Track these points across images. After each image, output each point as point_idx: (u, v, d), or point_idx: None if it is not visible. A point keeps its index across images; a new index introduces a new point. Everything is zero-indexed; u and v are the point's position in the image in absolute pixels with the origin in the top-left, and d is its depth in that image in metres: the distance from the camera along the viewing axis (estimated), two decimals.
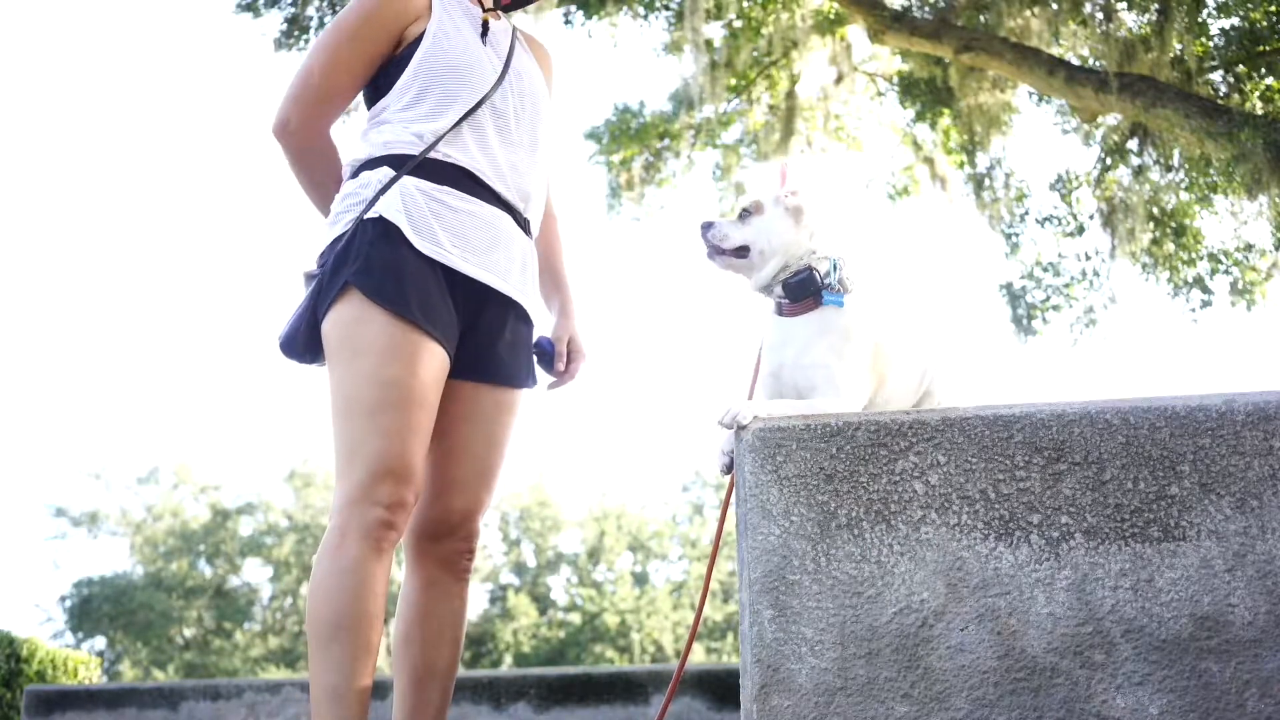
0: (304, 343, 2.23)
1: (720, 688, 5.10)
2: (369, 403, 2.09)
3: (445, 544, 2.29)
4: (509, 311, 2.33)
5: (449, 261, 2.22)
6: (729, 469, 1.92)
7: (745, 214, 2.15)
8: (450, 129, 2.26)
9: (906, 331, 2.15)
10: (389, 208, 2.19)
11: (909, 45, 9.22)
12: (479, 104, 2.29)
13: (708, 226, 2.16)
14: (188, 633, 27.62)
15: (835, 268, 2.06)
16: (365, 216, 2.19)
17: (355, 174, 2.28)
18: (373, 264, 2.15)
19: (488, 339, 2.29)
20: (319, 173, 2.38)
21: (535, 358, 2.44)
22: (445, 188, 2.24)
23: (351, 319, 2.15)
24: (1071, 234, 10.18)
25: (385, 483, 2.07)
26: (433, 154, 2.25)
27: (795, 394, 1.99)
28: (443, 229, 2.21)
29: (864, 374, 1.99)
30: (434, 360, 2.16)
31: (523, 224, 2.37)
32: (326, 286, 2.19)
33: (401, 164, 2.23)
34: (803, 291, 2.04)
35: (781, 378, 2.02)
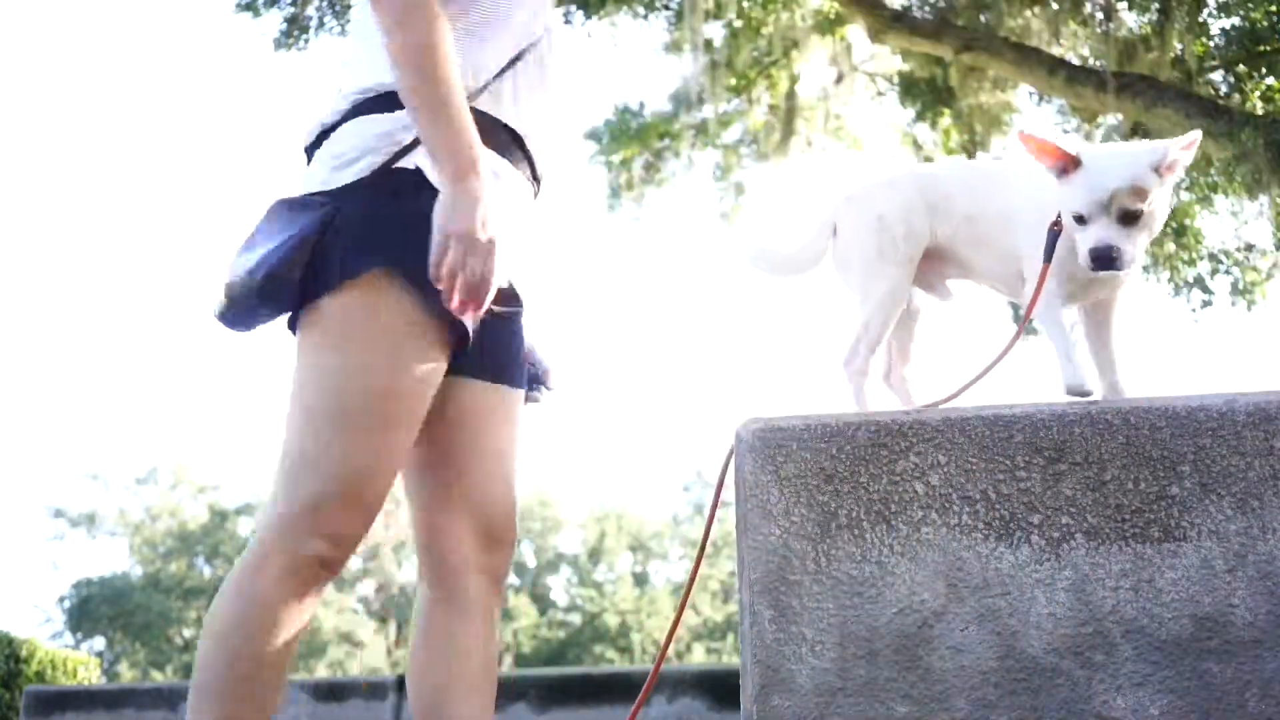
0: (292, 286, 1.71)
1: (720, 688, 5.10)
2: (351, 410, 1.68)
3: (495, 553, 1.89)
4: (517, 305, 1.95)
5: None
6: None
7: (1132, 217, 1.76)
8: (506, 67, 1.82)
9: None
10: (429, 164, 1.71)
11: (909, 45, 9.23)
12: (537, 41, 1.86)
13: (1111, 256, 1.74)
14: (186, 633, 27.62)
15: None
16: (399, 165, 1.74)
17: (388, 103, 1.76)
18: (417, 238, 1.68)
19: (507, 336, 1.92)
20: None
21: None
22: (492, 153, 1.77)
23: (362, 302, 1.70)
24: None
25: (346, 511, 1.68)
26: (481, 101, 1.79)
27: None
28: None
29: None
30: (440, 373, 1.77)
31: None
32: (340, 243, 1.71)
33: None
34: None
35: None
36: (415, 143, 1.73)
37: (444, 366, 1.77)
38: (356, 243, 1.71)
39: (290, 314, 1.77)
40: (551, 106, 1.94)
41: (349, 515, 1.68)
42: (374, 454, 1.70)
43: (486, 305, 1.71)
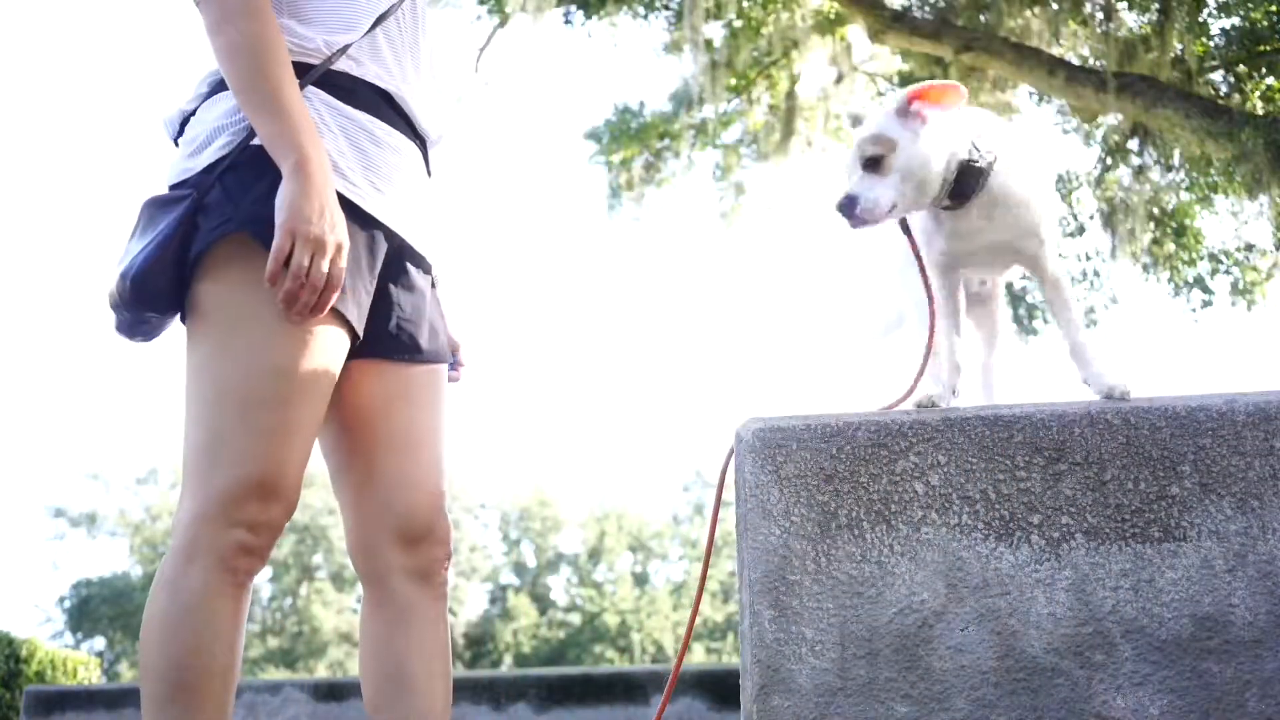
0: (167, 286, 1.68)
1: (720, 688, 5.10)
2: (244, 393, 1.63)
3: (420, 551, 1.82)
4: (427, 274, 1.89)
5: (374, 209, 1.75)
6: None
7: (873, 162, 1.69)
8: (366, 33, 1.79)
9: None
10: None
11: (909, 45, 9.23)
12: (394, 6, 1.84)
13: (850, 204, 1.68)
14: None
15: (974, 146, 1.73)
16: (256, 141, 1.68)
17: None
18: (271, 208, 1.63)
19: (415, 310, 1.85)
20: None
21: None
22: (362, 113, 1.78)
23: (236, 279, 1.66)
24: (1072, 234, 10.18)
25: (253, 497, 1.62)
26: (341, 64, 1.77)
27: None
28: (361, 165, 1.75)
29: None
30: (336, 345, 1.70)
31: (428, 165, 1.94)
32: (205, 225, 1.67)
33: (301, 74, 1.72)
34: (968, 189, 1.74)
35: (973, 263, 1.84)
36: None
37: (340, 334, 1.71)
38: (219, 221, 1.67)
39: (180, 313, 1.74)
40: (425, 66, 1.91)
41: (264, 500, 1.64)
42: (278, 435, 1.64)
43: (328, 309, 1.66)
